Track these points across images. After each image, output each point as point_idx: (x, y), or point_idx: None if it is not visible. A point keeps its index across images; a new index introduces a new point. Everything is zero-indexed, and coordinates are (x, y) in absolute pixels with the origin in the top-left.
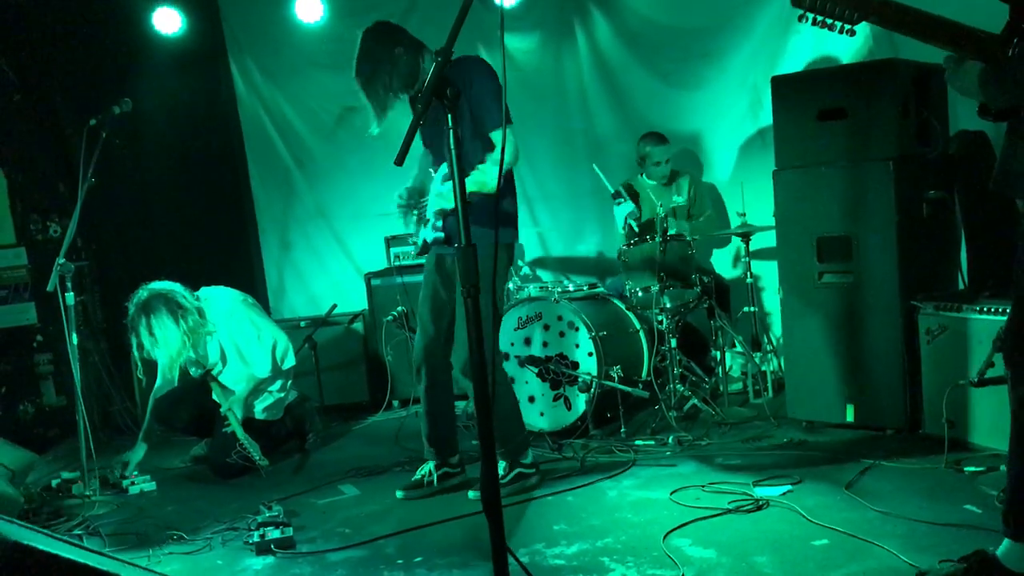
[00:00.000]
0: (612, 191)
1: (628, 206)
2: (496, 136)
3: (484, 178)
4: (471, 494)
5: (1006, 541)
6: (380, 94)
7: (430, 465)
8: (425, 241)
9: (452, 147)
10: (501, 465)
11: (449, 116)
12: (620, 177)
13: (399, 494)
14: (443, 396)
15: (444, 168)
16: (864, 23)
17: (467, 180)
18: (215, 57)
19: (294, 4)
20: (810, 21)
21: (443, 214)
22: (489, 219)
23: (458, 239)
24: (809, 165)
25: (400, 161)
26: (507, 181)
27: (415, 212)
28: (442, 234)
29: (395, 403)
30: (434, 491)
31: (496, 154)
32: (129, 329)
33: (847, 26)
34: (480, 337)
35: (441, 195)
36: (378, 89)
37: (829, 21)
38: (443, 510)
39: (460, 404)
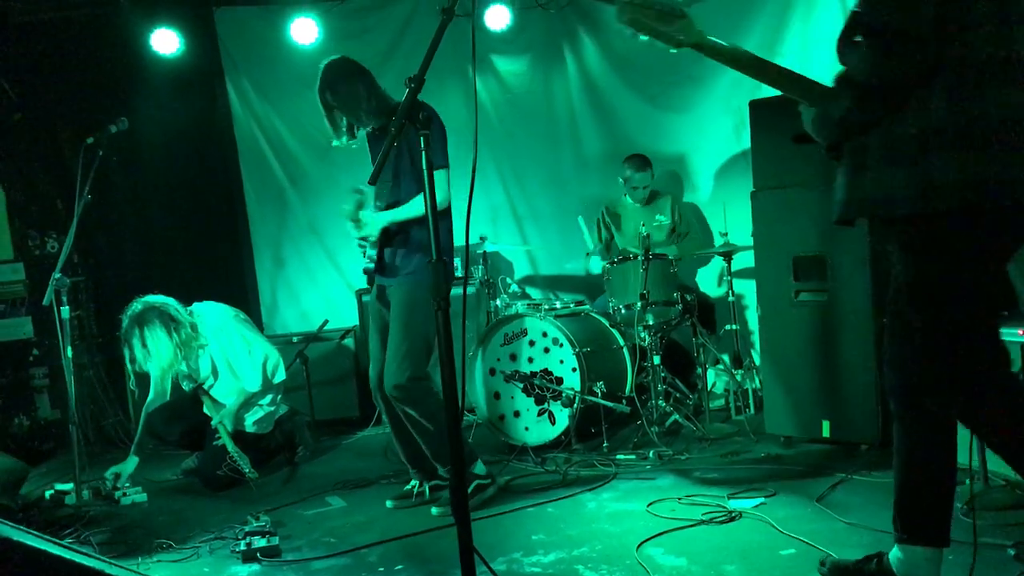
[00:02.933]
0: (590, 247)
1: (601, 263)
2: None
3: (400, 213)
4: (434, 510)
5: (895, 546)
6: (337, 120)
7: (415, 482)
8: (364, 270)
9: (425, 168)
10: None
11: (422, 138)
12: (605, 197)
13: (389, 503)
14: (406, 420)
15: (371, 200)
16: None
17: (395, 211)
18: (212, 77)
19: (290, 26)
20: (630, 34)
21: (367, 243)
22: (415, 252)
23: (384, 269)
24: (786, 186)
25: (373, 180)
26: (441, 216)
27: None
28: (372, 264)
29: (384, 418)
30: (424, 501)
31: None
32: (122, 341)
33: (672, 48)
34: (451, 355)
35: (364, 224)
36: (336, 116)
37: (653, 39)
38: (428, 520)
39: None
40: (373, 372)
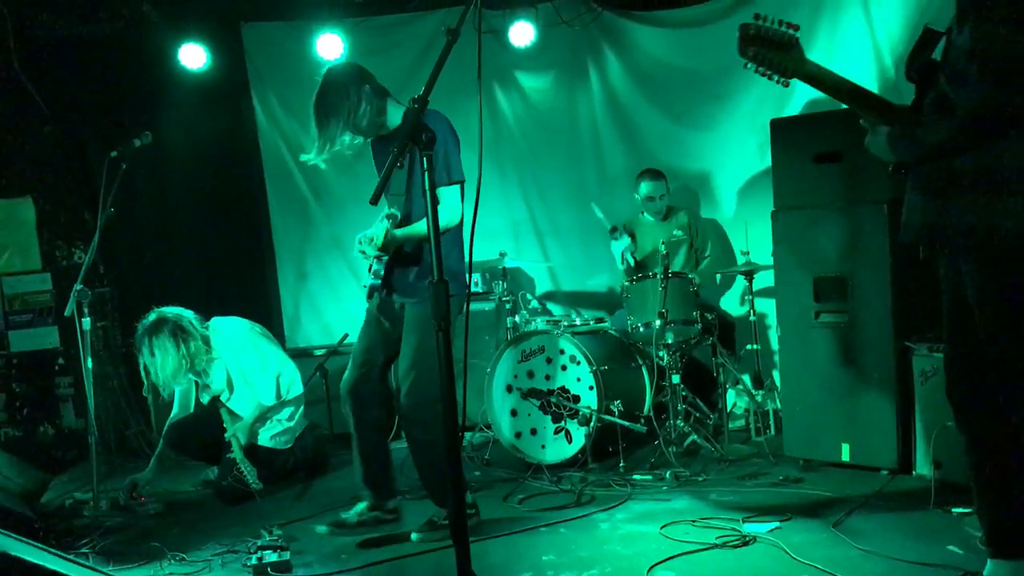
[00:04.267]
0: (608, 227)
1: (624, 241)
2: (442, 192)
3: (419, 230)
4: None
5: (989, 562)
6: (335, 127)
7: (362, 506)
8: (367, 286)
9: (427, 189)
10: (443, 512)
11: (424, 159)
12: (628, 214)
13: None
14: (374, 434)
15: (383, 213)
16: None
17: (408, 229)
18: (238, 92)
19: (315, 42)
20: (752, 69)
21: (378, 260)
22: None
23: (399, 287)
24: (806, 206)
25: (375, 200)
26: (454, 239)
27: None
28: (379, 280)
29: (402, 432)
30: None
31: (440, 209)
32: (135, 350)
33: (782, 79)
34: (451, 374)
35: (371, 240)
36: (334, 122)
37: (767, 72)
38: None
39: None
40: (348, 376)
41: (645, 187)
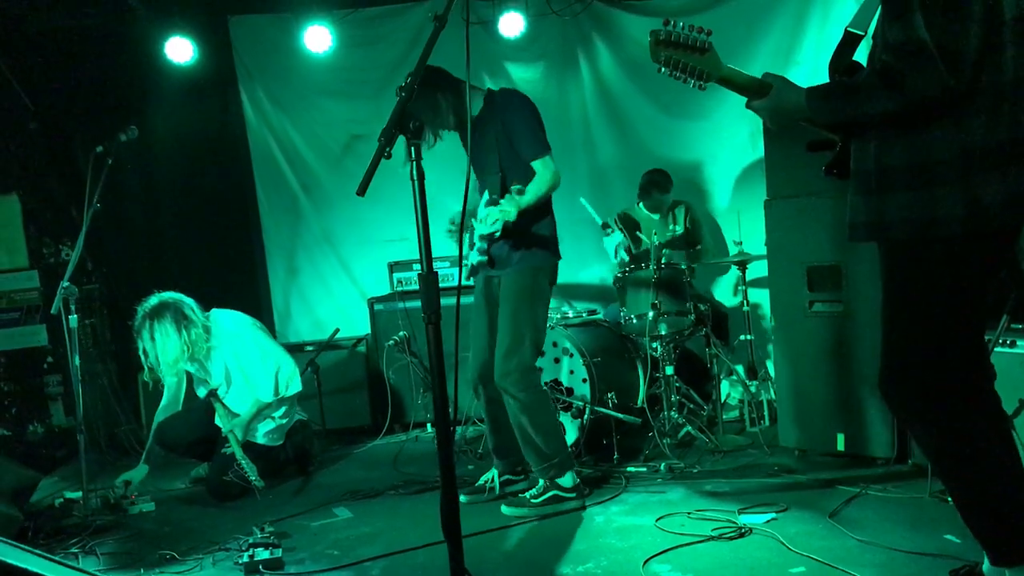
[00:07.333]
0: (600, 223)
1: (617, 236)
2: (536, 165)
3: (515, 204)
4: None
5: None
6: (426, 133)
7: (493, 472)
8: (472, 265)
9: (416, 178)
10: (540, 483)
11: (413, 149)
12: (621, 205)
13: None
14: (503, 409)
15: (486, 194)
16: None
17: (529, 195)
18: (226, 85)
19: (303, 34)
20: (667, 73)
21: (485, 238)
22: (525, 242)
23: (501, 263)
24: (799, 195)
25: (362, 192)
26: (545, 207)
27: (466, 235)
28: (485, 257)
29: (396, 427)
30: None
31: (534, 182)
32: (134, 333)
33: (698, 82)
34: (442, 368)
35: (483, 220)
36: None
37: (681, 76)
38: (433, 534)
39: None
40: (475, 363)
41: (655, 197)
